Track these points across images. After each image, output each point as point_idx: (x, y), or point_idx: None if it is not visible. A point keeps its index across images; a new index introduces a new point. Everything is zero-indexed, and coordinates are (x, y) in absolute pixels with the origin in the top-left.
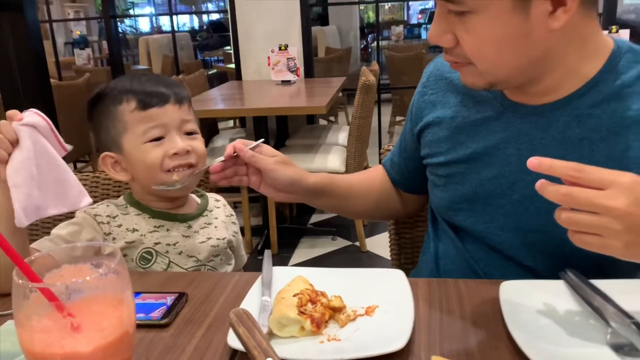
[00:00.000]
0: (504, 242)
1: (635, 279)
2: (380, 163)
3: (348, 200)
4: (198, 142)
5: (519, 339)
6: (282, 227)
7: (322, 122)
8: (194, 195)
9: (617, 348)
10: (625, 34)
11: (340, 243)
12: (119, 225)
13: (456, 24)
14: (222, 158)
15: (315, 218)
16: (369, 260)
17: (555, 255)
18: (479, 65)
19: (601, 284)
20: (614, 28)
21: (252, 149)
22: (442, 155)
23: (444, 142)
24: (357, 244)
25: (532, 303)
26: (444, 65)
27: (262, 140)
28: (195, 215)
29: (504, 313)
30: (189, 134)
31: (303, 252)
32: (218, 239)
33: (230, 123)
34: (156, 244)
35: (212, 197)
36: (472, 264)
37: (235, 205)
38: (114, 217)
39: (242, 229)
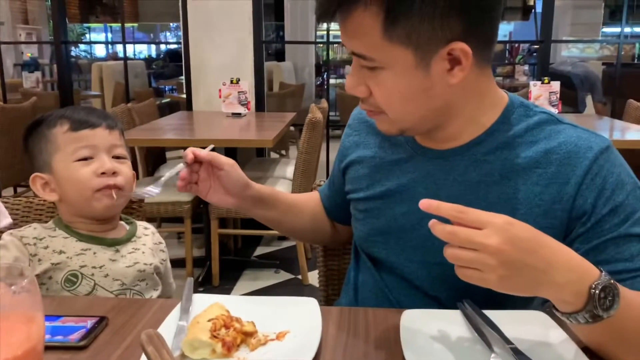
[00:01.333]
0: (412, 273)
1: (524, 310)
2: None
3: (287, 215)
4: (126, 167)
5: None
6: (226, 259)
7: (274, 155)
8: (123, 223)
9: None
10: (556, 85)
11: (283, 276)
12: (46, 247)
13: (368, 77)
14: (181, 166)
15: (259, 250)
16: (310, 293)
17: (455, 286)
18: (389, 114)
19: (492, 314)
20: (546, 79)
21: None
22: (362, 191)
23: (364, 179)
24: (300, 277)
25: (429, 330)
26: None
27: (213, 146)
28: (124, 240)
29: (402, 339)
30: (118, 157)
31: (245, 284)
32: (145, 264)
33: (179, 152)
34: (82, 266)
35: (141, 224)
36: (386, 293)
37: (179, 236)
38: (40, 239)
39: (183, 260)
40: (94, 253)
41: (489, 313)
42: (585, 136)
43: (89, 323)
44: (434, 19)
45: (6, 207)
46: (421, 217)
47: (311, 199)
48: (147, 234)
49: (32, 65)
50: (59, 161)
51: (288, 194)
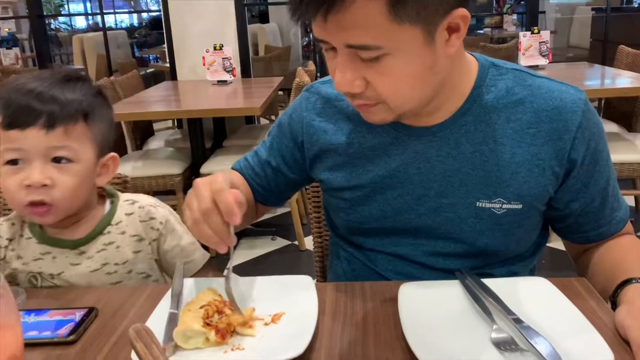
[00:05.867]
0: (410, 253)
1: (524, 277)
2: None
3: None
4: (66, 176)
5: (410, 338)
6: None
7: (264, 120)
8: (105, 204)
9: (499, 344)
10: (546, 34)
11: (280, 243)
12: (13, 250)
13: (366, 69)
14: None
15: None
16: (308, 259)
17: (462, 255)
18: (392, 102)
19: (492, 282)
20: (535, 29)
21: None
22: (343, 180)
23: (343, 168)
24: (297, 243)
25: (427, 303)
26: (330, 94)
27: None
28: (90, 239)
29: (401, 313)
30: (60, 160)
31: (242, 253)
32: (116, 264)
33: (167, 123)
34: (39, 272)
35: (126, 201)
36: (379, 272)
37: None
38: (11, 241)
39: None
40: (53, 257)
41: (488, 282)
42: (564, 89)
43: (78, 315)
44: None
45: None
46: (418, 196)
47: (241, 184)
48: (131, 212)
49: (10, 41)
50: None
51: (237, 178)
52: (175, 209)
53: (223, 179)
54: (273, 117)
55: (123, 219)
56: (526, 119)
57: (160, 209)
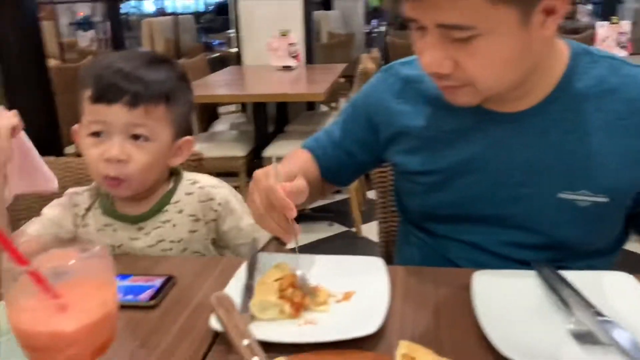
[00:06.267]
0: (487, 241)
1: (603, 271)
2: None
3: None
4: (142, 153)
5: (486, 326)
6: None
7: (324, 107)
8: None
9: (579, 336)
10: (625, 25)
11: (337, 229)
12: (84, 217)
13: (456, 50)
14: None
15: (313, 203)
16: (365, 246)
17: (538, 247)
18: (480, 85)
19: (572, 275)
20: (614, 19)
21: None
22: (419, 164)
23: (420, 151)
24: (354, 229)
25: (502, 292)
26: (409, 76)
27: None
28: (149, 215)
29: (474, 301)
30: (138, 137)
31: (300, 236)
32: (172, 241)
33: (231, 108)
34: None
35: (187, 180)
36: (451, 260)
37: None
38: (87, 210)
39: None
40: (114, 230)
41: (568, 274)
42: None
43: (157, 282)
44: None
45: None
46: (494, 183)
47: (310, 167)
48: (191, 192)
49: (86, 24)
50: (80, 127)
51: (299, 165)
52: (237, 191)
53: (273, 174)
54: (334, 105)
55: (182, 199)
56: (618, 109)
57: (221, 190)
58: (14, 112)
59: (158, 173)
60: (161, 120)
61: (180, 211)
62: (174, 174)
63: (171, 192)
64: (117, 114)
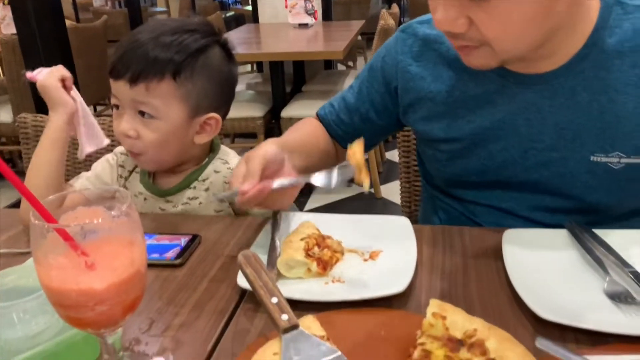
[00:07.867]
0: (517, 206)
1: (637, 230)
2: None
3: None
4: (149, 131)
5: (518, 285)
6: None
7: (341, 67)
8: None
9: (614, 296)
10: None
11: (355, 189)
12: (126, 179)
13: (472, 7)
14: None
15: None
16: (383, 207)
17: (570, 211)
18: (497, 45)
19: (605, 233)
20: None
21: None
22: (441, 131)
23: (442, 118)
24: (372, 190)
25: (533, 251)
26: (428, 36)
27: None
28: (176, 190)
29: (506, 260)
30: (143, 114)
31: (318, 197)
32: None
33: (247, 68)
34: None
35: (220, 159)
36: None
37: None
38: (131, 173)
39: None
40: (144, 199)
41: (601, 233)
42: None
43: (183, 241)
44: None
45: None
46: (524, 149)
47: (318, 135)
48: (219, 170)
49: None
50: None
51: (296, 139)
52: None
53: (258, 163)
54: (350, 64)
55: (210, 177)
56: None
57: None
58: (60, 66)
59: (177, 150)
60: (167, 97)
61: (207, 189)
62: (212, 151)
63: (201, 169)
64: (123, 89)
